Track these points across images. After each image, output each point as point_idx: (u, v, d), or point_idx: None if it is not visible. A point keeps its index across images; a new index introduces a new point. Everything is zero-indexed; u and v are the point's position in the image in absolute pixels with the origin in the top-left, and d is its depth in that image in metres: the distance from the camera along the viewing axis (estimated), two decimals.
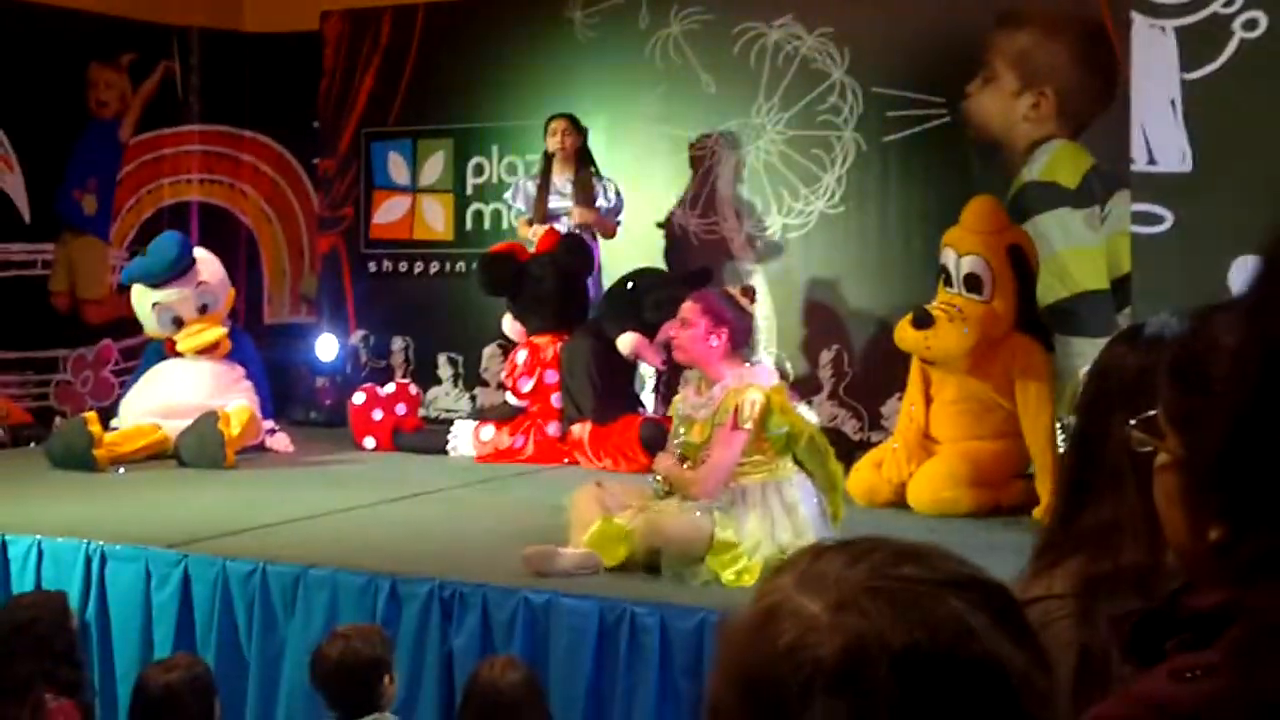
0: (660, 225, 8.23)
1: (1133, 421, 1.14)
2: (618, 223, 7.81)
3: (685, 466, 4.79)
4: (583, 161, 7.70)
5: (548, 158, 7.73)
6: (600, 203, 7.65)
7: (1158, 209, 5.15)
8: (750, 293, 6.42)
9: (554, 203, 7.68)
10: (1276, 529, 0.85)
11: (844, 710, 0.89)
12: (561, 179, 7.69)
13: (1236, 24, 4.91)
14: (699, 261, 7.86)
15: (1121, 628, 0.94)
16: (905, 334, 6.18)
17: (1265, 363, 0.87)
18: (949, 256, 6.30)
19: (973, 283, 6.20)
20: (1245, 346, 0.90)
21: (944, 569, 0.95)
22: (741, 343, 4.84)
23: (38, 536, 5.05)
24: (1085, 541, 1.67)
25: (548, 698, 3.87)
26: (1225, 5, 4.91)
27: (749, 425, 4.62)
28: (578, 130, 7.69)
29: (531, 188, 7.79)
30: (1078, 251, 7.16)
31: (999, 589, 0.96)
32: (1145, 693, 0.95)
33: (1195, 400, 0.93)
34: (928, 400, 6.32)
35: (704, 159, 8.12)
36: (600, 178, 7.70)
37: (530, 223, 7.75)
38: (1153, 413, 1.05)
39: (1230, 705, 0.85)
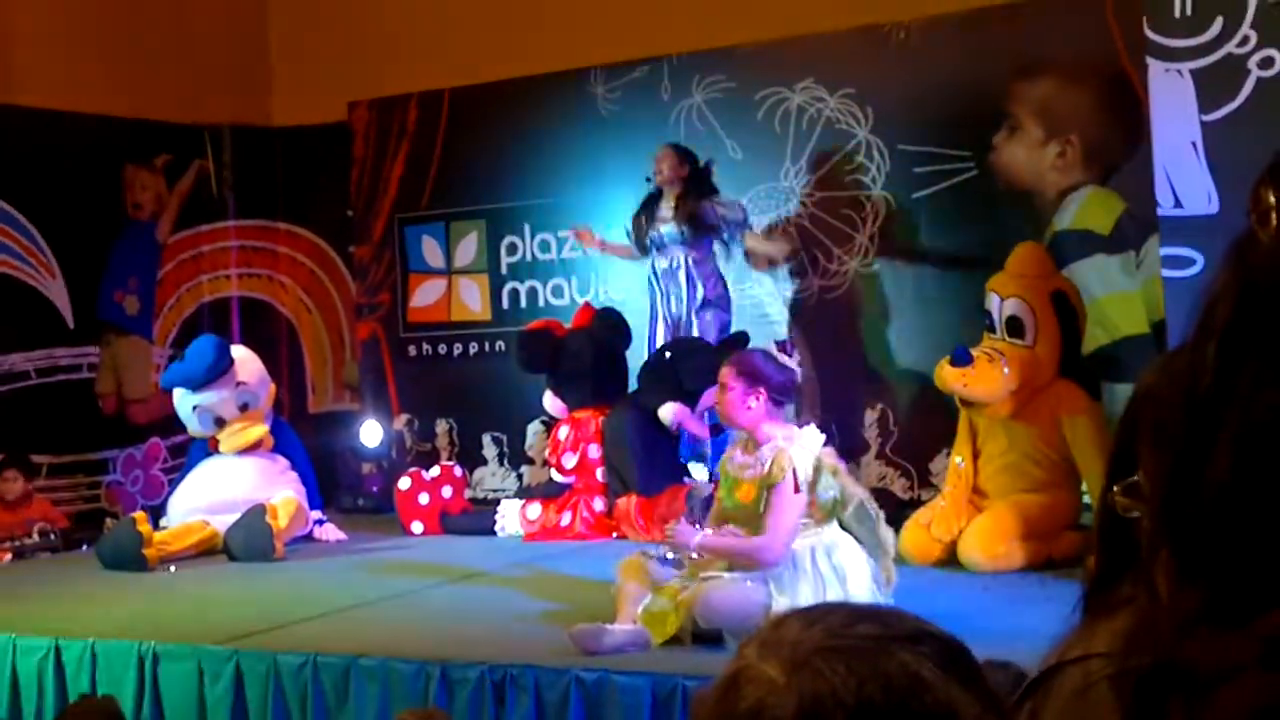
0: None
1: (1116, 487, 1.13)
2: (739, 239, 7.67)
3: (728, 529, 4.73)
4: (693, 189, 7.53)
5: (655, 189, 7.66)
6: (711, 221, 7.51)
7: (1188, 251, 5.11)
8: (786, 347, 6.39)
9: (661, 228, 7.58)
10: (1214, 578, 0.84)
11: None
12: (666, 206, 7.60)
13: (1252, 63, 4.88)
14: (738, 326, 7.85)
15: (1125, 684, 0.92)
16: (944, 373, 6.17)
17: (1188, 404, 0.87)
18: (992, 301, 6.33)
19: (1014, 326, 6.20)
20: (1169, 391, 0.91)
21: (897, 626, 0.99)
22: (783, 400, 4.79)
23: (91, 639, 5.07)
24: (1128, 599, 1.64)
25: None
26: (1239, 45, 4.89)
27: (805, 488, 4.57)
28: (680, 159, 7.57)
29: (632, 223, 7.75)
30: (1116, 297, 7.11)
31: (950, 640, 1.00)
32: None
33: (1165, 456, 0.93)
34: (975, 454, 6.28)
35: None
36: (715, 199, 7.54)
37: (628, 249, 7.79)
38: (1135, 478, 1.04)
39: None
